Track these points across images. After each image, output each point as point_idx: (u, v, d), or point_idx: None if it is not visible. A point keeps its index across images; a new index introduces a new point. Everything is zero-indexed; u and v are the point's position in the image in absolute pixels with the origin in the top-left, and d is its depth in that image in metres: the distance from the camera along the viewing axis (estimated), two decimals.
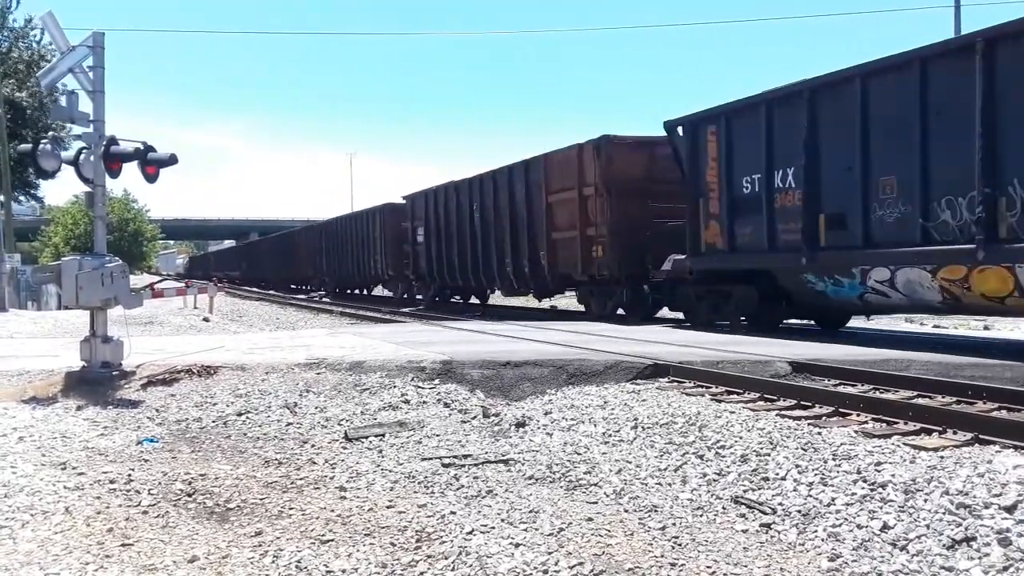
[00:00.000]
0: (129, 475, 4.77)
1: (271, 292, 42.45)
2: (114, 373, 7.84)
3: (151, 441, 5.82)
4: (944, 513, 3.72)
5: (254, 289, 46.26)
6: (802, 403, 6.35)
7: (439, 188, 21.51)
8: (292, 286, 43.27)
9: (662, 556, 3.53)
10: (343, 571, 3.37)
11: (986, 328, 15.10)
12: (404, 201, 24.36)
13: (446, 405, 6.88)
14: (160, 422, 6.50)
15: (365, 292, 33.08)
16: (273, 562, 3.48)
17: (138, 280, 37.28)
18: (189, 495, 4.44)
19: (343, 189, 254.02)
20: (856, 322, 15.53)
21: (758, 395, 6.75)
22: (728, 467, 4.70)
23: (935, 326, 15.27)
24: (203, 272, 70.70)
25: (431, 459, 5.21)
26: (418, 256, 23.07)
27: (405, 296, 25.99)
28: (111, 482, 4.63)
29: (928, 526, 3.64)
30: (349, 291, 33.78)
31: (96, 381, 7.64)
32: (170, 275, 73.46)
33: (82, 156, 8.08)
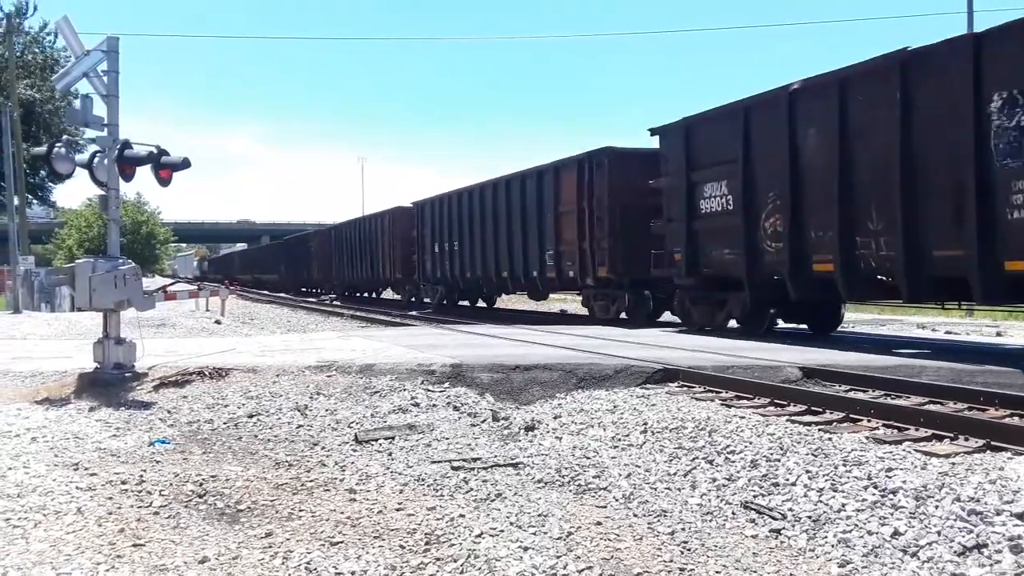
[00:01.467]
0: (141, 476, 4.80)
1: (286, 296, 38.63)
2: (127, 375, 7.89)
3: (163, 442, 5.85)
4: (955, 520, 3.70)
5: (276, 293, 40.91)
6: (813, 409, 6.33)
7: (778, 94, 10.86)
8: (362, 294, 33.66)
9: (671, 561, 3.52)
10: (352, 573, 3.38)
11: (999, 335, 15.01)
12: (652, 142, 13.73)
13: (456, 408, 6.89)
14: (172, 423, 6.54)
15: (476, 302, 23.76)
16: (283, 563, 3.49)
17: (151, 283, 35.56)
18: (200, 496, 4.46)
19: (354, 193, 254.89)
20: (867, 328, 15.49)
21: (768, 400, 6.73)
22: (738, 472, 4.69)
23: (947, 332, 15.18)
24: (225, 275, 63.69)
25: (440, 462, 5.22)
26: (706, 236, 12.37)
27: (622, 315, 15.53)
28: (123, 483, 4.66)
29: (939, 533, 3.62)
30: (468, 303, 23.75)
31: (109, 382, 7.69)
32: (187, 278, 71.95)
33: (96, 159, 8.15)
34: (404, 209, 26.51)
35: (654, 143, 13.83)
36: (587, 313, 17.37)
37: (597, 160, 15.26)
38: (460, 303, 23.64)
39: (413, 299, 26.14)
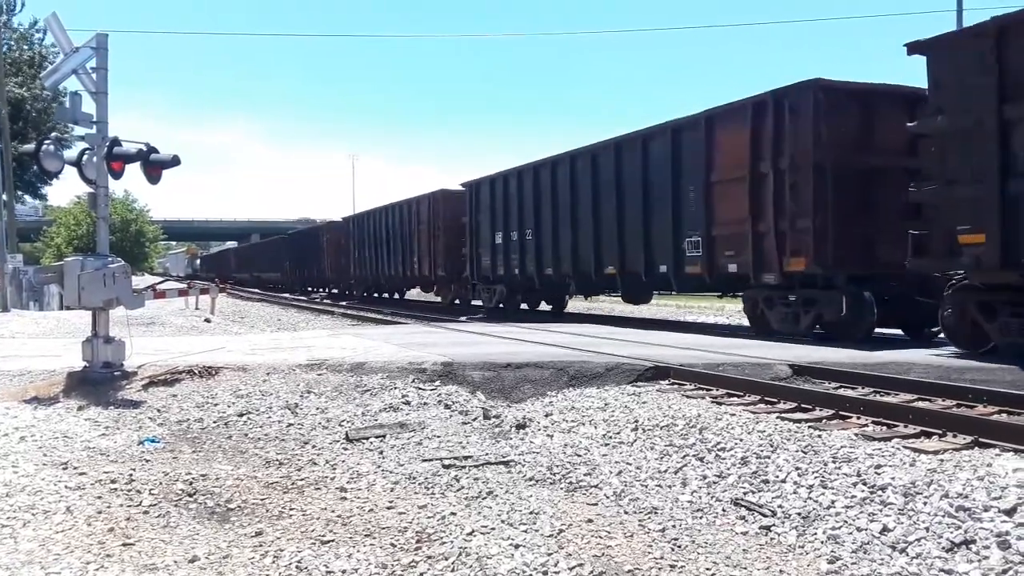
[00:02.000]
0: (130, 475, 4.78)
1: (279, 295, 37.23)
2: (116, 373, 7.85)
3: (152, 441, 5.83)
4: (943, 516, 3.72)
5: (279, 294, 37.37)
6: (802, 406, 6.35)
7: None
8: (382, 295, 30.05)
9: (662, 558, 3.53)
10: (343, 571, 3.38)
11: None
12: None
13: (447, 407, 6.89)
14: (161, 422, 6.51)
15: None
16: (274, 562, 3.49)
17: (140, 281, 33.66)
18: (190, 495, 4.45)
19: (345, 191, 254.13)
20: None
21: (758, 398, 6.75)
22: (728, 469, 4.71)
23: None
24: (219, 274, 59.17)
25: (432, 460, 5.22)
26: None
27: (817, 328, 11.13)
28: (112, 482, 4.64)
29: (927, 529, 3.64)
30: (527, 306, 19.13)
31: (98, 381, 7.65)
32: (178, 276, 69.72)
33: (85, 157, 8.10)
34: (450, 193, 21.91)
35: (875, 77, 10.07)
36: (749, 325, 12.58)
37: (793, 101, 10.67)
38: (522, 306, 19.29)
39: (458, 301, 22.45)
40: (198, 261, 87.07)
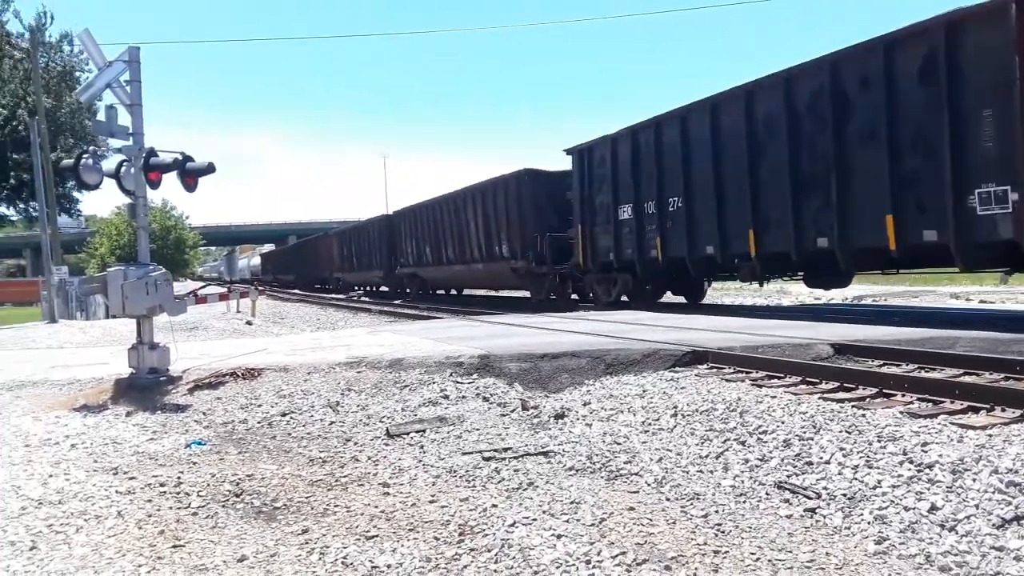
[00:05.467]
0: (178, 478, 4.88)
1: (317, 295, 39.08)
2: (162, 379, 8.01)
3: (199, 444, 5.94)
4: (993, 492, 3.65)
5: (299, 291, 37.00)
6: (845, 385, 6.26)
7: None
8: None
9: (705, 543, 3.52)
10: (388, 566, 3.42)
11: None
12: None
13: (485, 399, 6.91)
14: (207, 425, 6.63)
15: None
16: (320, 559, 3.54)
17: (182, 287, 34.26)
18: (237, 495, 4.53)
19: (378, 190, 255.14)
20: (899, 300, 15.28)
21: (799, 379, 6.67)
22: (770, 452, 4.66)
23: (981, 301, 14.93)
24: (302, 275, 44.35)
25: (472, 453, 5.25)
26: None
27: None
28: (161, 485, 4.74)
29: (977, 506, 3.57)
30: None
31: (144, 387, 7.81)
32: (230, 281, 63.65)
33: (123, 168, 8.25)
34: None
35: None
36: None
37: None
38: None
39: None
40: (256, 260, 65.26)
